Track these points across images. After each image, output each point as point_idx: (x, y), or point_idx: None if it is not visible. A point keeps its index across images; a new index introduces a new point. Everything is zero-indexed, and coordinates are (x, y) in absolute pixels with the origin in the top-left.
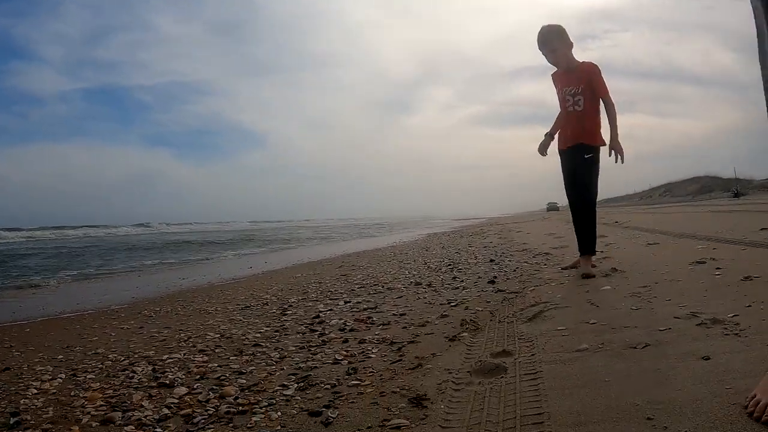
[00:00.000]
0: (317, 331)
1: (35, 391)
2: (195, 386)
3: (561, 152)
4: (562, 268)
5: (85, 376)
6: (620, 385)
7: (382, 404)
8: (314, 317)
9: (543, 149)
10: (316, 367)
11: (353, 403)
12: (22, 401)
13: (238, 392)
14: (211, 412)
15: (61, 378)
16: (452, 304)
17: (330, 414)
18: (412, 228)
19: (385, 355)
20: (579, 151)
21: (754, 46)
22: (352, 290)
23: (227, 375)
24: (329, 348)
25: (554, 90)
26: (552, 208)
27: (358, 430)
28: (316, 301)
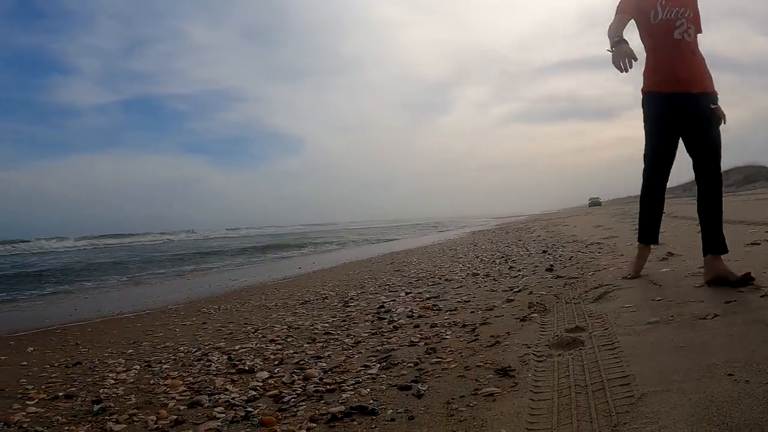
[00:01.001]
0: (385, 318)
1: (113, 381)
2: (276, 371)
3: (666, 97)
4: (624, 277)
5: (161, 366)
6: (696, 349)
7: (469, 377)
8: (379, 307)
9: (628, 58)
10: (393, 349)
11: (440, 378)
12: (101, 390)
13: (321, 374)
14: (299, 392)
15: (136, 369)
16: (515, 290)
17: (420, 387)
18: (453, 227)
19: (460, 336)
20: (706, 101)
21: None
22: (410, 283)
23: (306, 359)
24: (402, 332)
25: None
26: (594, 203)
27: (452, 399)
28: (376, 293)
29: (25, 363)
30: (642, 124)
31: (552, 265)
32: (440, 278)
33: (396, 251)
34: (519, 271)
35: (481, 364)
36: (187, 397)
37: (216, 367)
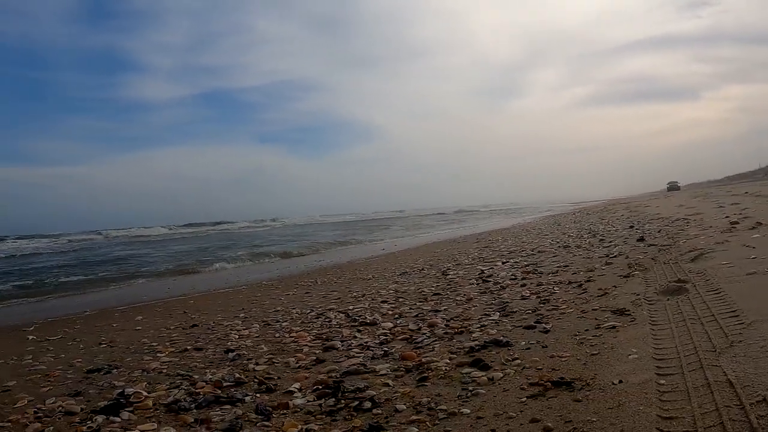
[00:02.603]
0: (489, 281)
1: (237, 336)
2: (398, 322)
3: None
4: None
5: (280, 324)
6: None
7: (588, 317)
8: (479, 274)
9: None
10: (507, 302)
11: (560, 320)
12: (228, 343)
13: (444, 322)
14: (428, 335)
15: (256, 327)
16: (610, 256)
17: (545, 325)
18: (529, 213)
19: (568, 291)
20: None
21: None
22: (503, 255)
23: (424, 313)
24: (510, 290)
25: None
26: (673, 187)
27: (577, 332)
28: (471, 264)
29: (140, 327)
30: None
31: (642, 236)
32: (532, 251)
33: (478, 233)
34: (610, 242)
35: (597, 308)
36: (319, 344)
37: (337, 323)
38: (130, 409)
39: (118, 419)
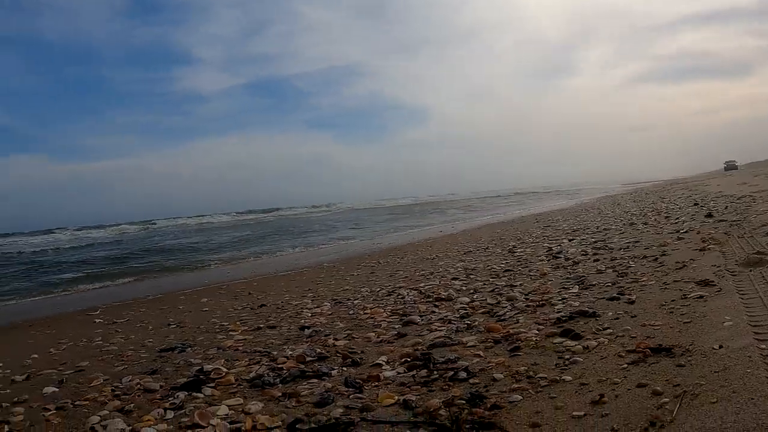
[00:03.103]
0: (560, 257)
1: (309, 314)
2: (474, 296)
3: None
4: None
5: (351, 302)
6: None
7: (671, 288)
8: (547, 251)
9: None
10: (584, 276)
11: (642, 291)
12: (302, 321)
13: (522, 296)
14: (508, 309)
15: (327, 305)
16: (681, 231)
17: (629, 296)
18: (582, 195)
19: (644, 264)
20: None
21: None
22: (567, 233)
23: (500, 287)
24: (584, 265)
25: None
26: (731, 167)
27: (664, 303)
28: (537, 242)
29: (207, 309)
30: None
31: (710, 212)
32: (597, 228)
33: (537, 213)
34: (677, 219)
35: (679, 279)
36: (397, 319)
37: (411, 299)
38: (212, 385)
39: (200, 395)
